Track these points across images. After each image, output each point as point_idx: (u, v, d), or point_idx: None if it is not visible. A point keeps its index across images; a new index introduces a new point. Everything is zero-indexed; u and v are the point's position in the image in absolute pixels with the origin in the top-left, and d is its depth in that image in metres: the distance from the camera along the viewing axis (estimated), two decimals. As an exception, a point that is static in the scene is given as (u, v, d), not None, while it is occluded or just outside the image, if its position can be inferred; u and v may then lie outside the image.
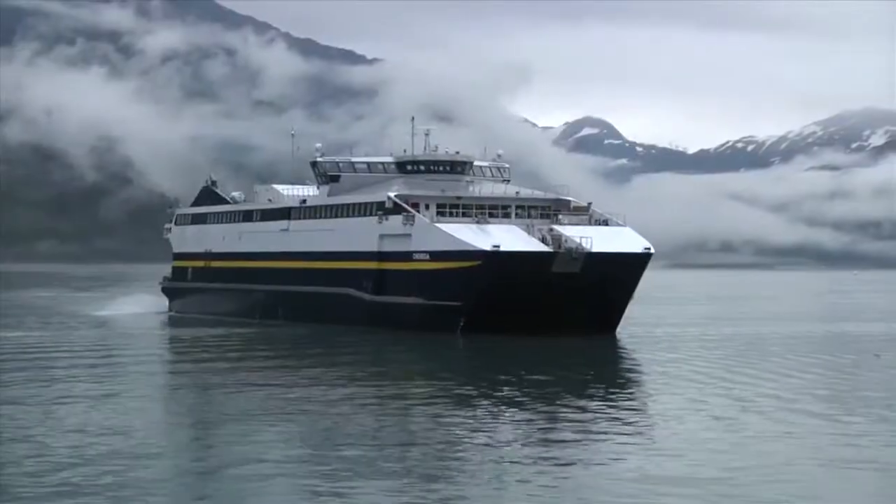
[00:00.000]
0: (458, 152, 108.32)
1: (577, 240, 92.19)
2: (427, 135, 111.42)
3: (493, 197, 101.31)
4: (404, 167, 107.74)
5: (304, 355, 76.81)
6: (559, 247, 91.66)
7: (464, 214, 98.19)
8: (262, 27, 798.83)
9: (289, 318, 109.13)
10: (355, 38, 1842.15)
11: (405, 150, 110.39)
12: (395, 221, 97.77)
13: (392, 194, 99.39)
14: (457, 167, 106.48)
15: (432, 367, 71.04)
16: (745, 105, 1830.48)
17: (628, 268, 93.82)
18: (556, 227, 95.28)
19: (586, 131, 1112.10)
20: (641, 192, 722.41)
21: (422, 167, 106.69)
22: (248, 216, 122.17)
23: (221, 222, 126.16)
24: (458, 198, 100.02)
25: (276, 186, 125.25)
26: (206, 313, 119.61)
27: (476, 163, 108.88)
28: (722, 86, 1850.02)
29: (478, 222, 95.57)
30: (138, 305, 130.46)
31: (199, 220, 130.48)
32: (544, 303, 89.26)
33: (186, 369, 68.55)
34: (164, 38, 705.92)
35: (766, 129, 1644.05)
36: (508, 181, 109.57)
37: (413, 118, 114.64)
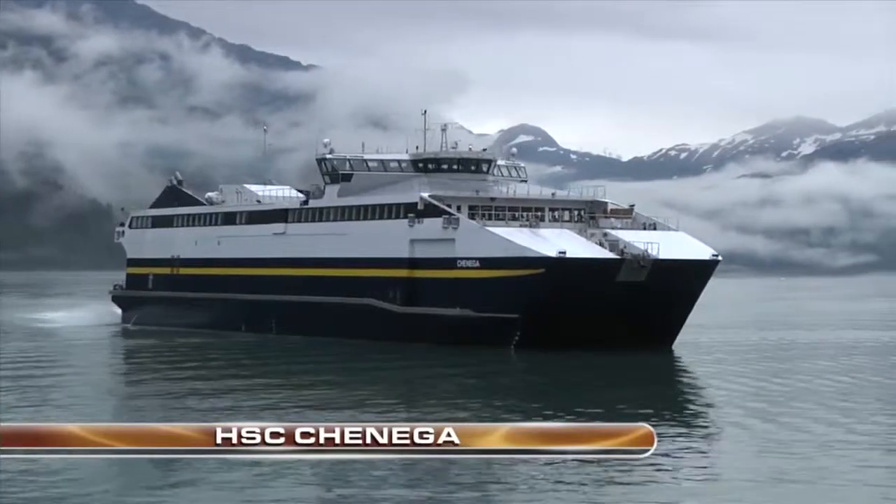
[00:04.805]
0: (485, 149, 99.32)
1: (642, 246, 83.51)
2: (444, 130, 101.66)
3: (528, 198, 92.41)
4: (422, 165, 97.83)
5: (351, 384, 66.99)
6: (621, 253, 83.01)
7: (496, 217, 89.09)
8: (196, 32, 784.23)
9: (285, 330, 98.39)
10: (291, 45, 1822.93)
11: (417, 147, 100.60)
12: (433, 225, 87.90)
13: (426, 194, 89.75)
14: (481, 165, 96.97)
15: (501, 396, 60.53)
16: (678, 113, 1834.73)
17: (695, 276, 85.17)
18: (610, 231, 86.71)
19: (521, 139, 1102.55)
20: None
21: (444, 165, 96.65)
22: (229, 219, 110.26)
23: (193, 225, 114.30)
24: (492, 199, 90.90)
25: (248, 186, 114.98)
26: (173, 325, 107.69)
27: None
28: (655, 94, 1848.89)
29: (530, 226, 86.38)
30: (87, 314, 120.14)
31: (162, 222, 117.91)
32: (605, 314, 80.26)
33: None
34: (97, 42, 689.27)
35: (699, 136, 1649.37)
36: (525, 181, 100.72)
37: (425, 111, 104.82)
